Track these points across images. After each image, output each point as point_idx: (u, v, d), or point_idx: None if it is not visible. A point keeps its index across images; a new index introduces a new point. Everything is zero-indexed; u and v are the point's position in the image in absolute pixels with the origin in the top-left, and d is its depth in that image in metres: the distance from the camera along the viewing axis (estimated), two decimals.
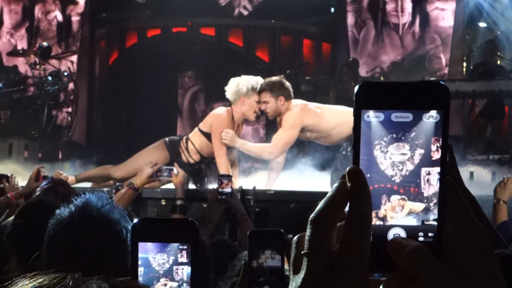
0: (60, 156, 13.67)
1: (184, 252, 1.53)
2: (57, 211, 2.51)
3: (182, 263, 1.54)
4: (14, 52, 16.03)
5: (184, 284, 1.55)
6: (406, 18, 15.28)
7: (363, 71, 14.47)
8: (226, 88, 8.88)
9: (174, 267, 1.54)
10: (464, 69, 14.99)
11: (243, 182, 8.55)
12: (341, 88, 12.95)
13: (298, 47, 15.58)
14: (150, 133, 11.80)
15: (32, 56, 14.97)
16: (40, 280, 1.02)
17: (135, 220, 1.54)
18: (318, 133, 8.76)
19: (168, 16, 15.93)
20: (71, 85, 14.94)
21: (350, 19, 15.55)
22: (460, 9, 15.05)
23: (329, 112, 8.74)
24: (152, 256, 1.53)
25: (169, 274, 1.55)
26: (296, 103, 8.61)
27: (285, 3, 15.62)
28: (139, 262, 1.53)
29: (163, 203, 7.52)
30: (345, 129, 8.64)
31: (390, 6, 15.37)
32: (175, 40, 15.70)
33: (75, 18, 16.40)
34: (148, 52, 15.50)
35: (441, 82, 0.98)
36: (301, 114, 8.53)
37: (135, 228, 1.53)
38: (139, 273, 1.53)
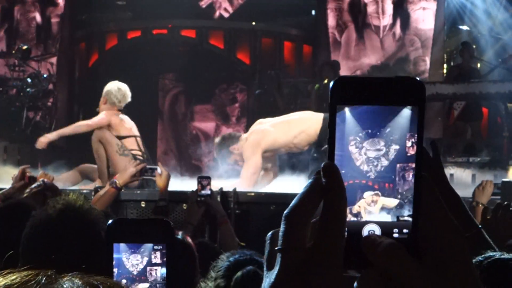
0: (39, 159, 13.60)
1: (158, 253, 1.52)
2: (34, 212, 2.49)
3: (156, 264, 1.53)
4: None
5: (158, 285, 1.53)
6: (386, 20, 15.32)
7: (343, 73, 14.48)
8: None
9: (148, 268, 1.52)
10: (445, 71, 15.04)
11: (223, 184, 8.54)
12: (322, 88, 12.95)
13: (279, 49, 15.60)
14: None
15: (11, 58, 14.92)
16: (13, 277, 0.99)
17: (110, 221, 1.53)
18: (282, 148, 8.96)
19: (149, 18, 15.89)
20: (50, 87, 14.87)
21: (331, 21, 15.57)
22: (440, 11, 15.10)
23: (283, 126, 8.95)
24: (125, 257, 1.52)
25: (142, 275, 1.53)
26: (249, 132, 9.00)
27: (266, 6, 15.61)
28: (113, 263, 1.52)
29: (143, 205, 7.50)
30: (305, 136, 8.81)
31: (371, 8, 15.40)
32: (155, 42, 15.68)
33: (54, 20, 16.32)
34: (128, 54, 15.46)
35: (416, 77, 0.96)
36: (254, 141, 8.82)
37: (110, 229, 1.52)
38: (113, 274, 1.52)
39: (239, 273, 2.83)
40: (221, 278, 2.88)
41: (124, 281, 1.51)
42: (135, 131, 9.51)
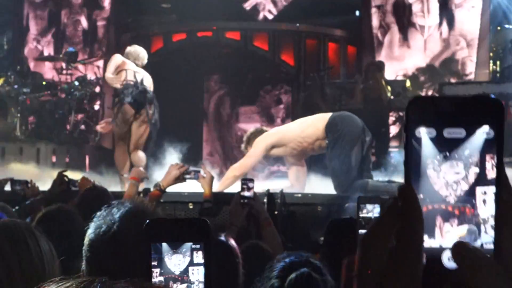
0: (87, 161, 13.76)
1: (200, 253, 1.53)
2: (98, 213, 2.49)
3: (198, 264, 1.54)
4: (41, 58, 16.18)
5: (200, 285, 1.55)
6: (432, 19, 15.20)
7: (388, 74, 14.40)
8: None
9: (190, 268, 1.54)
10: (491, 71, 14.88)
11: (270, 185, 8.56)
12: (367, 90, 12.90)
13: (323, 50, 15.56)
14: (176, 138, 11.85)
15: (59, 61, 15.11)
16: (68, 284, 1.00)
17: (147, 221, 1.54)
18: (291, 142, 9.13)
19: (193, 20, 15.97)
20: (97, 90, 15.02)
21: (375, 21, 15.50)
22: (486, 9, 14.96)
23: (289, 125, 9.61)
24: (167, 257, 1.53)
25: (184, 275, 1.55)
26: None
27: (310, 7, 15.59)
28: (155, 263, 1.53)
29: (191, 207, 7.54)
30: (313, 129, 9.01)
31: (415, 7, 15.30)
32: (200, 45, 15.74)
33: (100, 23, 16.50)
34: (173, 56, 15.55)
35: (492, 96, 0.93)
36: (263, 136, 9.32)
37: (147, 229, 1.53)
38: (154, 275, 1.54)
39: (293, 275, 2.85)
40: (275, 279, 2.89)
41: (171, 283, 1.53)
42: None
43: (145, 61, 11.43)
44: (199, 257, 1.53)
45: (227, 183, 9.27)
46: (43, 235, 1.87)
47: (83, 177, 7.16)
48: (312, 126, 9.07)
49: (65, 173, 6.90)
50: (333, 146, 8.86)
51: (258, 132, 9.55)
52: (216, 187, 9.15)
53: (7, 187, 6.85)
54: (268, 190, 7.35)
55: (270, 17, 16.29)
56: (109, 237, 2.39)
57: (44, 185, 7.84)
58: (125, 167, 10.93)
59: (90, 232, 2.41)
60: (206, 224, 1.53)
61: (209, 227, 1.53)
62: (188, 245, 1.52)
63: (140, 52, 11.36)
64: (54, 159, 13.25)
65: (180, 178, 6.48)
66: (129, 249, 2.34)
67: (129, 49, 11.42)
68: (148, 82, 11.21)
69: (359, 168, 8.85)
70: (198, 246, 1.52)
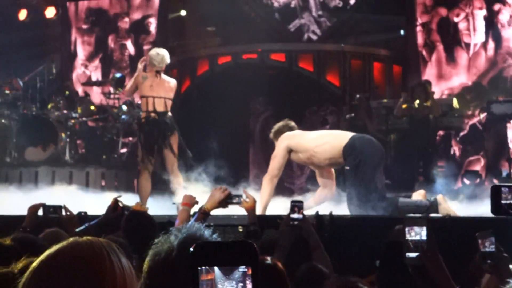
0: (135, 184, 13.87)
1: (248, 276, 1.54)
2: (156, 240, 2.52)
3: None
4: (89, 82, 16.39)
5: None
6: (478, 37, 15.11)
7: (436, 94, 14.33)
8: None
9: None
10: None
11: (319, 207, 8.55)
12: (413, 109, 12.86)
13: (369, 70, 15.54)
14: (223, 160, 11.90)
15: (106, 86, 15.29)
16: None
17: (194, 245, 1.55)
18: (304, 152, 9.14)
19: (238, 43, 16.07)
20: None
21: (420, 40, 15.45)
22: None
23: (309, 134, 9.46)
24: (220, 283, 1.55)
25: None
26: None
27: (354, 27, 15.62)
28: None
29: (240, 230, 7.54)
30: (328, 147, 8.95)
31: (462, 25, 15.23)
32: (245, 67, 15.81)
33: (147, 47, 16.67)
34: (219, 79, 15.63)
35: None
36: (285, 135, 9.30)
37: (194, 253, 1.54)
38: None
39: None
40: None
41: None
42: (161, 92, 10.77)
43: (169, 60, 11.13)
44: (249, 281, 1.54)
45: (264, 192, 9.34)
46: (122, 251, 1.89)
47: (137, 203, 7.20)
48: (329, 143, 9.00)
49: (120, 199, 6.95)
50: (355, 172, 8.77)
51: (285, 126, 9.53)
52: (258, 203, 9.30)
53: (40, 212, 6.90)
54: (317, 212, 7.33)
55: (315, 38, 16.32)
56: (168, 264, 2.42)
57: (94, 210, 7.94)
58: (147, 195, 11.04)
59: (149, 259, 2.44)
60: (252, 247, 1.54)
61: (255, 250, 1.54)
62: (240, 270, 1.53)
63: (163, 54, 10.99)
64: (103, 183, 13.39)
65: (223, 202, 6.50)
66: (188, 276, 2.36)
67: (151, 54, 11.01)
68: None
69: (380, 192, 8.77)
70: (245, 269, 1.53)
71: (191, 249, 1.54)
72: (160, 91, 10.77)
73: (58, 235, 5.13)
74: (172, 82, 11.05)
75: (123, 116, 14.28)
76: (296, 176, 14.71)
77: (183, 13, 16.84)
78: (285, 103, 15.33)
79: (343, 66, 15.46)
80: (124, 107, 14.49)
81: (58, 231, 5.32)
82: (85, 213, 7.77)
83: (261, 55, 15.81)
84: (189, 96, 16.03)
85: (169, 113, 10.90)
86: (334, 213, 7.71)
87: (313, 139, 9.23)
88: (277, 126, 9.65)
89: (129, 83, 11.21)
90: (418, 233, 3.37)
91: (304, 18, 16.40)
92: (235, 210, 8.10)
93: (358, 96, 13.85)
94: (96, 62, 16.96)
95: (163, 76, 10.88)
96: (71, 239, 1.88)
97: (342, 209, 8.98)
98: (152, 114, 10.76)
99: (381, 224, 7.67)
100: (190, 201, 6.70)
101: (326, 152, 8.99)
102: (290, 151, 9.29)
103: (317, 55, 15.62)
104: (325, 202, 9.48)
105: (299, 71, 15.60)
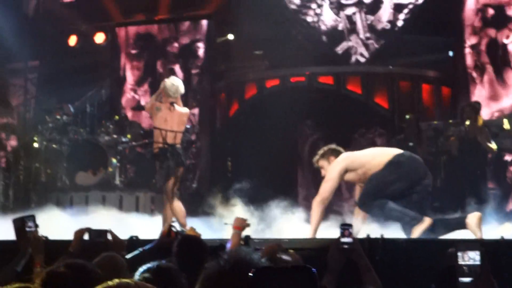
0: (185, 209, 13.90)
1: None
2: (206, 265, 2.52)
3: None
4: (138, 107, 16.53)
5: None
6: None
7: (484, 115, 14.20)
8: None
9: None
10: None
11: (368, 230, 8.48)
12: (463, 131, 12.74)
13: (417, 91, 15.44)
14: (271, 183, 11.90)
15: None
16: None
17: (253, 270, 1.55)
18: (361, 167, 9.37)
19: (286, 66, 16.09)
20: (193, 138, 15.22)
21: (469, 61, 15.32)
22: None
23: (362, 151, 9.76)
24: None
25: None
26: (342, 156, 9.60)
27: (402, 48, 15.55)
28: None
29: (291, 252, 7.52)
30: (376, 163, 9.27)
31: (511, 47, 15.10)
32: (293, 90, 15.80)
33: (195, 71, 16.78)
34: (267, 102, 15.64)
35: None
36: (338, 159, 9.53)
37: (255, 278, 1.54)
38: None
39: None
40: None
41: None
42: (174, 125, 10.99)
43: (183, 91, 11.34)
44: None
45: (314, 215, 9.47)
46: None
47: (191, 228, 7.20)
48: (375, 159, 9.33)
49: (174, 224, 6.97)
50: (393, 186, 9.13)
51: (333, 150, 9.76)
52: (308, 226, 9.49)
53: (86, 237, 6.93)
54: (368, 235, 7.28)
55: (363, 60, 16.28)
56: (217, 282, 2.42)
57: (144, 234, 7.98)
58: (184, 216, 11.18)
59: (200, 284, 2.45)
60: (311, 272, 1.54)
61: (315, 275, 1.53)
62: None
63: (178, 84, 11.21)
64: (153, 207, 13.45)
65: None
66: None
67: (167, 84, 11.17)
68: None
69: (416, 208, 9.08)
70: None
71: (251, 274, 1.53)
72: (173, 125, 11.04)
73: (114, 260, 5.15)
74: (185, 112, 11.29)
75: None
76: (345, 199, 14.62)
77: (230, 37, 16.93)
78: (333, 125, 15.29)
79: (392, 88, 15.38)
80: None
81: (114, 256, 5.34)
82: (137, 237, 7.82)
83: (309, 78, 15.80)
84: (237, 120, 16.08)
85: (178, 145, 11.14)
86: (385, 235, 7.66)
87: (367, 155, 9.54)
88: (326, 148, 9.84)
89: (148, 104, 11.49)
90: (471, 258, 3.31)
91: (352, 41, 16.38)
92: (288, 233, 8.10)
93: (407, 117, 13.76)
94: (145, 86, 17.10)
95: (177, 107, 11.11)
96: (119, 281, 1.89)
97: (393, 231, 8.92)
98: (164, 146, 11.02)
99: (433, 248, 7.58)
100: (241, 224, 6.73)
101: (374, 167, 9.25)
102: (344, 172, 9.44)
103: (365, 77, 15.57)
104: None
105: (347, 93, 15.56)
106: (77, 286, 3.38)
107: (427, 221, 8.85)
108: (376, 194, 9.17)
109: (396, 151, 9.53)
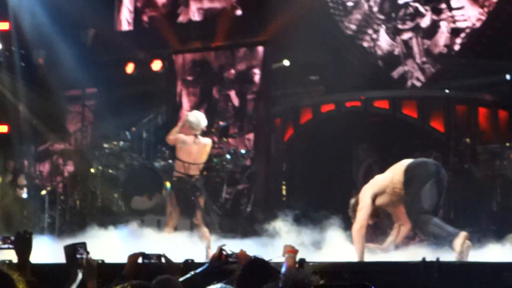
0: (239, 233, 13.94)
1: None
2: (264, 286, 2.54)
3: None
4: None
5: None
6: None
7: None
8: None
9: None
10: None
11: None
12: None
13: (474, 115, 15.27)
14: (327, 206, 11.89)
15: (211, 135, 15.50)
16: None
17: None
18: (387, 188, 9.96)
19: (341, 91, 16.07)
20: (248, 163, 15.27)
21: None
22: None
23: (383, 174, 10.30)
24: None
25: None
26: None
27: (459, 72, 15.44)
28: None
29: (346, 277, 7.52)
30: (398, 177, 9.95)
31: None
32: (349, 115, 15.77)
33: (250, 97, 16.85)
34: (322, 127, 15.64)
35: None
36: (366, 192, 10.05)
37: None
38: None
39: None
40: None
41: None
42: (197, 158, 11.85)
43: (205, 123, 12.32)
44: None
45: (357, 242, 9.87)
46: None
47: (242, 250, 7.21)
48: (397, 173, 9.99)
49: (224, 247, 7.01)
50: (407, 187, 9.85)
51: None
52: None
53: (140, 260, 6.98)
54: (424, 258, 7.24)
55: (418, 84, 16.19)
56: None
57: (200, 257, 8.02)
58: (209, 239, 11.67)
59: None
60: None
61: None
62: None
63: (200, 119, 12.06)
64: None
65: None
66: None
67: (190, 119, 12.00)
68: None
69: (430, 205, 9.68)
70: None
71: None
72: (197, 157, 11.88)
73: (171, 282, 5.20)
74: (208, 144, 12.13)
75: (227, 165, 14.43)
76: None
77: (286, 62, 16.99)
78: (388, 149, 15.22)
79: (448, 112, 15.23)
80: (228, 156, 14.66)
81: (170, 278, 5.39)
82: (192, 260, 7.88)
83: (365, 103, 15.73)
84: (292, 144, 16.09)
85: (198, 176, 12.00)
86: (441, 258, 7.60)
87: (387, 174, 10.17)
88: (353, 201, 10.36)
89: (171, 136, 12.21)
90: None
91: (408, 65, 16.32)
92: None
93: (464, 140, 13.64)
94: (201, 112, 17.23)
95: (200, 139, 12.00)
96: None
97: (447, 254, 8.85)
98: (185, 176, 11.85)
99: (488, 270, 7.49)
100: (294, 248, 6.78)
101: (398, 181, 9.92)
102: (375, 197, 9.93)
103: (421, 102, 15.45)
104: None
105: (403, 117, 15.45)
106: None
107: (462, 235, 9.10)
108: (417, 206, 9.71)
109: (406, 160, 10.26)
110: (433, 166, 10.16)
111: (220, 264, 6.79)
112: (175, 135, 11.92)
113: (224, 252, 6.92)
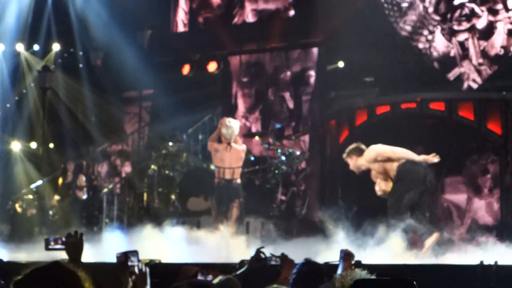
0: (294, 234, 13.97)
1: None
2: (321, 286, 2.57)
3: None
4: (249, 134, 16.72)
5: None
6: None
7: None
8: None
9: None
10: None
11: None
12: None
13: None
14: (382, 209, 11.85)
15: (266, 137, 15.56)
16: None
17: (351, 282, 1.59)
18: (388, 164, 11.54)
19: (397, 92, 15.99)
20: (303, 165, 15.28)
21: None
22: None
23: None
24: None
25: None
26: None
27: None
28: None
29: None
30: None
31: None
32: (404, 116, 15.69)
33: (305, 98, 16.88)
34: (377, 128, 15.57)
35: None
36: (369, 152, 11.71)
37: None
38: None
39: None
40: None
41: None
42: (232, 163, 12.32)
43: (238, 131, 12.75)
44: None
45: None
46: None
47: (284, 254, 7.23)
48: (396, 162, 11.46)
49: (262, 249, 7.03)
50: (395, 182, 11.35)
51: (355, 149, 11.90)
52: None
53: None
54: (481, 262, 7.19)
55: (475, 86, 16.05)
56: None
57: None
58: None
59: None
60: (411, 284, 1.55)
61: (415, 286, 1.55)
62: None
63: (233, 127, 12.47)
64: (263, 232, 13.55)
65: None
66: None
67: (222, 130, 12.45)
68: None
69: (411, 209, 11.03)
70: None
71: (351, 285, 1.57)
72: (232, 162, 12.36)
73: (231, 281, 5.28)
74: (242, 149, 12.59)
75: (282, 167, 14.47)
76: (456, 227, 14.41)
77: (341, 64, 16.97)
78: (445, 152, 15.10)
79: (505, 114, 15.06)
80: (283, 158, 14.70)
81: (230, 278, 5.46)
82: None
83: (420, 105, 15.63)
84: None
85: (236, 180, 12.44)
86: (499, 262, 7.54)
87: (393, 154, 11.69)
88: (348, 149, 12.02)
89: (209, 143, 12.79)
90: None
91: (464, 67, 16.18)
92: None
93: None
94: (256, 114, 17.29)
95: (234, 145, 12.40)
96: None
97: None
98: (222, 181, 12.38)
99: None
100: (349, 252, 6.81)
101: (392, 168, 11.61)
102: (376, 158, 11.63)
103: (477, 103, 15.29)
104: None
105: (459, 119, 15.31)
106: None
107: (435, 236, 10.46)
108: (397, 207, 11.13)
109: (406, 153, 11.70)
110: (423, 172, 11.40)
111: (260, 266, 6.83)
112: (210, 143, 12.62)
113: (262, 255, 6.96)
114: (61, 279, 2.93)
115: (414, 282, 1.55)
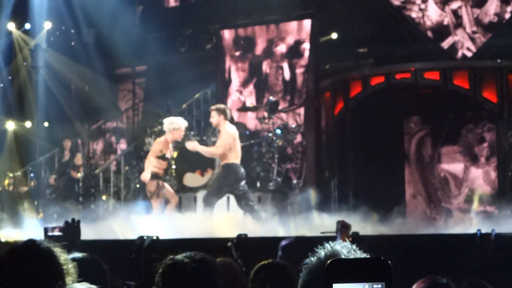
0: (289, 208, 13.96)
1: None
2: (307, 260, 2.55)
3: None
4: (243, 108, 16.67)
5: None
6: None
7: None
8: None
9: None
10: None
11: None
12: None
13: None
14: (377, 180, 11.86)
15: (261, 111, 15.51)
16: None
17: (328, 261, 1.56)
18: None
19: (391, 63, 15.95)
20: (298, 138, 15.25)
21: None
22: None
23: None
24: None
25: None
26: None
27: (510, 41, 15.21)
28: None
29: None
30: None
31: None
32: (399, 87, 15.68)
33: (299, 71, 16.81)
34: (372, 100, 15.57)
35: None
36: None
37: (329, 269, 1.55)
38: None
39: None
40: None
41: None
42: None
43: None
44: None
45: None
46: None
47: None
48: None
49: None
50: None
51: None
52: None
53: None
54: (479, 230, 7.18)
55: (469, 54, 15.99)
56: (318, 280, 2.45)
57: (253, 232, 8.07)
58: None
59: (303, 275, 2.48)
60: (387, 263, 1.53)
61: (390, 266, 1.53)
62: (369, 285, 1.52)
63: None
64: (259, 206, 13.53)
65: None
66: None
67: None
68: None
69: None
70: (379, 285, 1.52)
71: (326, 265, 1.55)
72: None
73: (231, 264, 5.32)
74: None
75: (277, 140, 14.43)
76: (454, 196, 14.44)
77: (334, 36, 16.89)
78: (440, 121, 15.10)
79: (500, 82, 15.05)
80: (279, 131, 14.66)
81: (230, 261, 5.50)
82: (245, 235, 7.98)
83: (415, 74, 15.60)
84: (343, 118, 16.04)
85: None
86: (497, 231, 7.53)
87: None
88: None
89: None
90: None
91: (458, 35, 16.11)
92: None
93: None
94: (250, 87, 17.23)
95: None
96: None
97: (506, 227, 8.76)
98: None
99: None
100: (346, 222, 6.79)
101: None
102: None
103: (472, 72, 15.27)
104: None
105: (454, 88, 15.29)
106: (198, 276, 3.49)
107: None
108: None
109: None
110: (240, 175, 12.25)
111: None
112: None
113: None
114: (37, 256, 2.97)
115: (389, 261, 1.54)
